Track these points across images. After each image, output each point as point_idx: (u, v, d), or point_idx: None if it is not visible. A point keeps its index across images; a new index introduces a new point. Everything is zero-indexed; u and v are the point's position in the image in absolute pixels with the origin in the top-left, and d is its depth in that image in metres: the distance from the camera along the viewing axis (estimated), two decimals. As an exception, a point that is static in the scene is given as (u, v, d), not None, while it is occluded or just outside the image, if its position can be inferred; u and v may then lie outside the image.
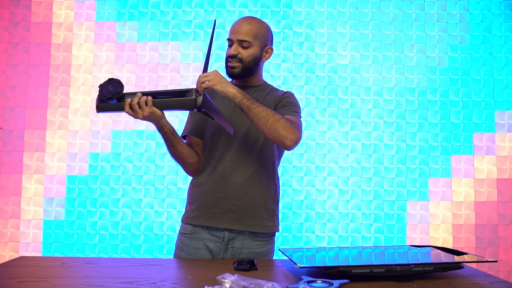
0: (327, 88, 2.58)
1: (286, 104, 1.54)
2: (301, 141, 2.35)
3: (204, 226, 1.52)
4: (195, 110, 1.41)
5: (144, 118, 1.37)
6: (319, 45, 2.60)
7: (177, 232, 1.64)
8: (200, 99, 1.38)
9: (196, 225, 1.53)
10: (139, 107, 1.35)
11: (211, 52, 1.43)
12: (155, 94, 1.40)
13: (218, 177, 1.51)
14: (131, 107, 1.36)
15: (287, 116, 1.44)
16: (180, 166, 1.58)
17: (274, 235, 1.59)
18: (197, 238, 1.52)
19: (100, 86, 1.34)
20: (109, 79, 1.35)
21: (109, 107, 1.36)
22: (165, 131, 1.46)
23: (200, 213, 1.52)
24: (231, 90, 1.37)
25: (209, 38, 1.44)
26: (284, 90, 1.62)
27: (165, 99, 1.38)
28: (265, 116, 1.35)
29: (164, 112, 1.43)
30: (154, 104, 1.37)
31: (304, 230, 2.51)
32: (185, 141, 1.62)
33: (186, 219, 1.56)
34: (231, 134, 1.46)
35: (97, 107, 1.36)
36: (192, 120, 1.61)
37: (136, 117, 1.36)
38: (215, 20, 1.48)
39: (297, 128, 1.40)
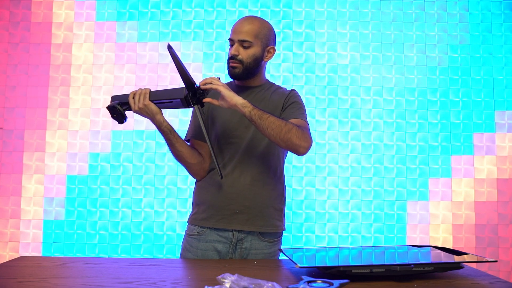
0: (327, 88, 2.57)
1: (293, 105, 1.54)
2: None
3: (212, 227, 1.50)
4: (189, 107, 1.42)
5: (139, 109, 1.40)
6: (319, 45, 2.60)
7: (179, 232, 1.63)
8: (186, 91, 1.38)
9: (204, 226, 1.52)
10: (138, 99, 1.40)
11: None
12: (155, 92, 1.43)
13: (226, 179, 1.51)
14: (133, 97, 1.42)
15: (296, 122, 1.45)
16: (183, 167, 1.55)
17: (281, 235, 1.59)
18: (205, 240, 1.50)
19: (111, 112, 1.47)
20: (109, 110, 1.45)
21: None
22: (163, 129, 1.45)
23: (209, 215, 1.51)
24: (239, 99, 1.35)
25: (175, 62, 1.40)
26: (288, 89, 1.61)
27: (159, 90, 1.42)
28: (278, 127, 1.35)
29: (162, 110, 1.45)
30: (150, 94, 1.41)
31: (304, 230, 2.51)
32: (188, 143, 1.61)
33: (193, 221, 1.54)
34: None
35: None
36: (195, 123, 1.60)
37: (132, 108, 1.41)
38: (168, 44, 1.37)
39: (308, 134, 1.42)
